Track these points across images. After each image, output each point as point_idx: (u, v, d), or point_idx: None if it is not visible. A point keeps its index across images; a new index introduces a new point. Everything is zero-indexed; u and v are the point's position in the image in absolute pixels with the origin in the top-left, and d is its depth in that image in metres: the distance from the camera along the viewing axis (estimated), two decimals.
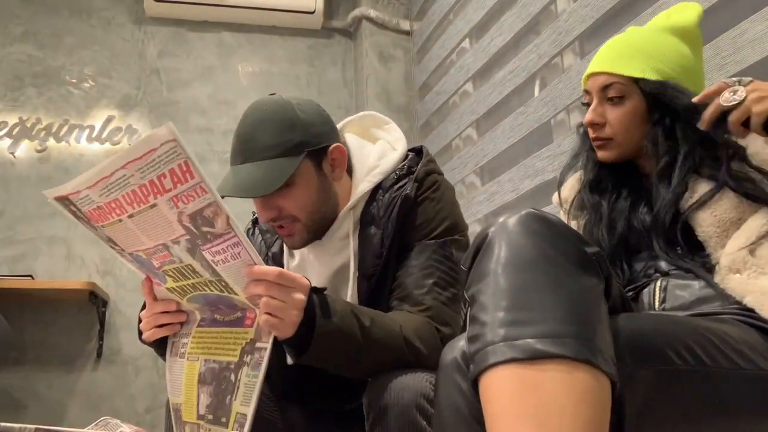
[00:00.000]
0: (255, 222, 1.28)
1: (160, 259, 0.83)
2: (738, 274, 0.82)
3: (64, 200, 0.77)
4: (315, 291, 0.88)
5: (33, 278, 2.48)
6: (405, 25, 3.01)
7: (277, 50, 3.09)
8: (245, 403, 0.83)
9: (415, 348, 0.93)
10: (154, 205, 0.73)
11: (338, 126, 1.18)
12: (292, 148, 1.02)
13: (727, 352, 0.70)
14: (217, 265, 0.79)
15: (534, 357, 0.56)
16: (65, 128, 2.79)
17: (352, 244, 1.08)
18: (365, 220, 1.10)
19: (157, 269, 0.86)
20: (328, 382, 1.12)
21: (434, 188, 1.10)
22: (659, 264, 0.95)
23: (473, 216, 2.28)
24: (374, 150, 1.16)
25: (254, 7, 2.95)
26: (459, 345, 0.71)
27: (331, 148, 1.08)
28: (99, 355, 2.61)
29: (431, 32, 2.77)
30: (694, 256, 0.91)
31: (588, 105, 1.07)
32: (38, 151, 2.75)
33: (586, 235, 1.05)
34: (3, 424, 0.83)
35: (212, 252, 0.78)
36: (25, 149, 2.75)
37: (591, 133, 1.06)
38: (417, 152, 1.17)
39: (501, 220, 0.67)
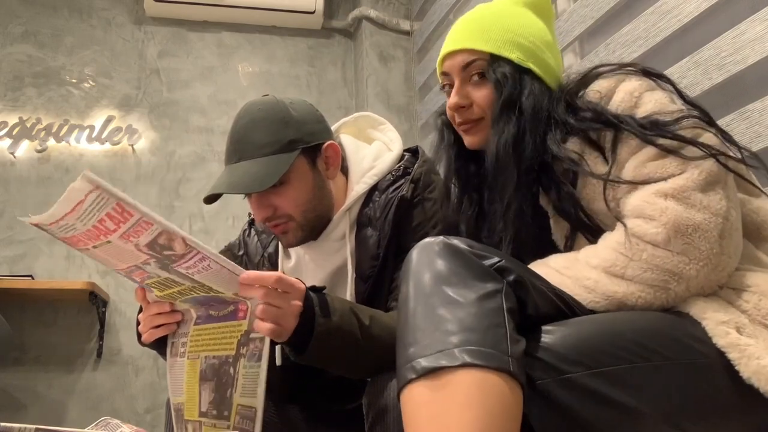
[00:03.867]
0: (251, 223, 1.28)
1: (140, 276, 0.84)
2: None
3: (38, 225, 0.77)
4: (314, 290, 0.88)
5: (33, 278, 2.48)
6: (405, 25, 3.01)
7: (277, 50, 3.09)
8: (245, 395, 0.83)
9: None
10: (109, 242, 0.74)
11: (333, 127, 1.18)
12: (286, 145, 1.02)
13: (686, 340, 0.71)
14: (193, 276, 0.80)
15: (423, 374, 0.62)
16: (65, 128, 2.78)
17: (349, 245, 1.08)
18: (361, 222, 1.09)
19: (140, 283, 0.88)
20: (327, 382, 1.12)
21: (431, 189, 1.10)
22: None
23: None
24: (370, 151, 1.16)
25: (254, 7, 2.95)
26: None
27: (324, 146, 1.08)
28: (99, 355, 2.61)
29: (431, 32, 2.77)
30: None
31: (446, 89, 1.02)
32: (38, 151, 2.75)
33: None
34: (3, 424, 0.83)
35: (183, 267, 0.78)
36: (25, 149, 2.75)
37: (457, 118, 1.00)
38: (413, 152, 1.17)
39: (409, 253, 0.75)
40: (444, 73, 1.01)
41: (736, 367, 0.69)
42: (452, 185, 1.06)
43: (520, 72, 0.95)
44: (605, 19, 1.65)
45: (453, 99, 0.98)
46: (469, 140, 1.01)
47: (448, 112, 1.02)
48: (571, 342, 0.68)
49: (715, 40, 1.26)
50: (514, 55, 0.95)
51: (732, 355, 0.69)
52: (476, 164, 1.05)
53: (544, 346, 0.68)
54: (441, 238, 0.72)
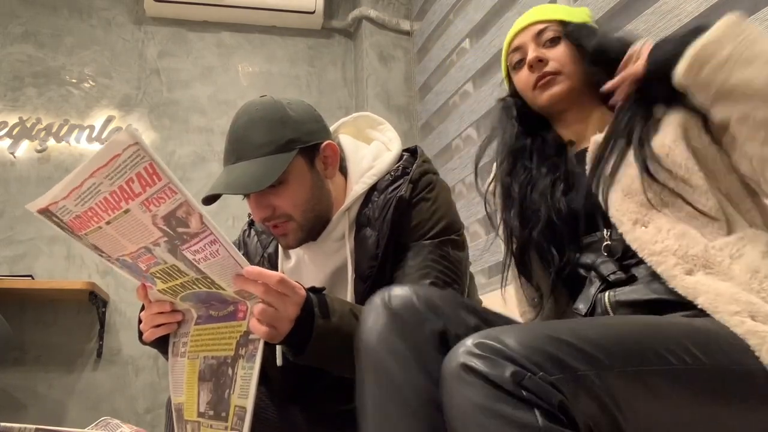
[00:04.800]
0: (251, 224, 1.28)
1: (146, 262, 0.83)
2: (690, 276, 0.81)
3: (46, 212, 0.77)
4: (314, 291, 0.88)
5: (33, 278, 2.48)
6: (405, 25, 3.01)
7: (277, 50, 3.10)
8: (242, 396, 0.83)
9: None
10: (127, 211, 0.74)
11: (332, 127, 1.18)
12: (284, 145, 1.02)
13: (713, 347, 0.70)
14: (199, 263, 0.80)
15: None
16: (65, 128, 2.79)
17: (348, 245, 1.08)
18: (360, 222, 1.09)
19: (144, 272, 0.86)
20: (327, 382, 1.12)
21: (429, 188, 1.10)
22: (597, 264, 0.92)
23: (473, 216, 2.28)
24: (369, 151, 1.16)
25: (254, 7, 2.95)
26: (460, 351, 0.68)
27: (323, 145, 1.08)
28: (99, 355, 2.61)
29: (431, 32, 2.77)
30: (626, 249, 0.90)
31: (518, 66, 1.07)
32: (38, 151, 2.75)
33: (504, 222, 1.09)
34: (3, 424, 0.83)
35: (192, 251, 0.78)
36: (25, 149, 2.75)
37: (533, 74, 1.05)
38: (412, 152, 1.17)
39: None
40: (515, 49, 1.08)
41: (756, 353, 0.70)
42: (500, 155, 1.12)
43: (592, 31, 1.05)
44: (605, 19, 1.65)
45: (532, 54, 1.04)
46: (547, 94, 1.04)
47: (523, 80, 1.06)
48: (611, 339, 0.67)
49: None
50: (583, 21, 1.06)
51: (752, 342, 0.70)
52: (532, 138, 1.10)
53: (584, 338, 0.66)
54: (384, 296, 0.76)
